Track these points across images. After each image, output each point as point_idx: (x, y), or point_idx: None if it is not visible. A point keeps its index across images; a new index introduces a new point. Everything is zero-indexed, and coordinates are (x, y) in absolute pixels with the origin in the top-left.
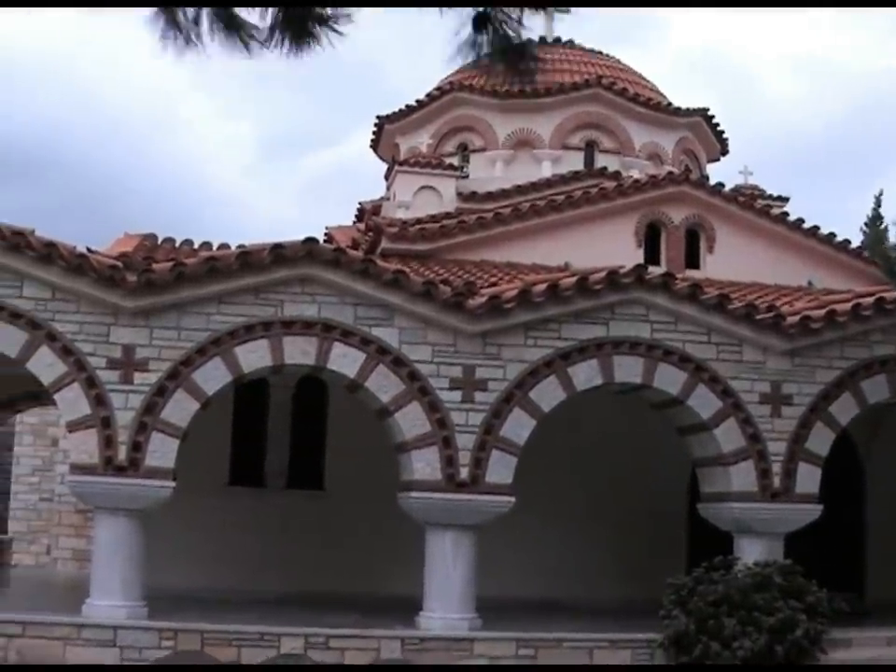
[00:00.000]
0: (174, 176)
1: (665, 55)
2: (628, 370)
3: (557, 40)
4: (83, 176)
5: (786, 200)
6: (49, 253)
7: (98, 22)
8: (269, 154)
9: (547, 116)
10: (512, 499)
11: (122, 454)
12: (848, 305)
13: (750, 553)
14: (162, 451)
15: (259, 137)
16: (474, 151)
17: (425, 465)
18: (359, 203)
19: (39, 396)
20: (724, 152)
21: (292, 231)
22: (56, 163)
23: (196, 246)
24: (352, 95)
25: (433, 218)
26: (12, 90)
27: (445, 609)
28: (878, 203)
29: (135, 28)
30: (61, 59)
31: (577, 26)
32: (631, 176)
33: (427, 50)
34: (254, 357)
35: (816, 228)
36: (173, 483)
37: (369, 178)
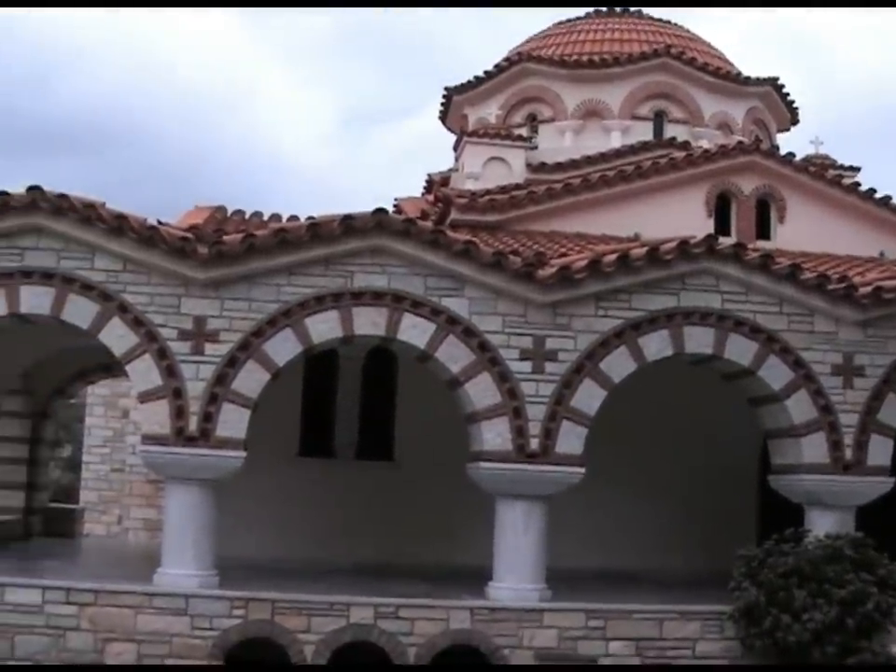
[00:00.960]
0: (250, 149)
1: (738, 25)
2: (699, 340)
3: (626, 10)
4: (160, 149)
5: (857, 170)
6: (119, 225)
7: None
8: (348, 125)
9: (616, 86)
10: (583, 470)
11: (193, 424)
12: None
13: (821, 525)
14: (233, 421)
15: (338, 109)
16: (543, 122)
17: (495, 435)
18: (428, 175)
19: (110, 367)
20: (795, 122)
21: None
22: (132, 136)
23: (266, 218)
24: (431, 67)
25: (502, 189)
26: (90, 62)
27: (515, 579)
28: None
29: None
30: (138, 31)
31: None
32: (700, 147)
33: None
34: (324, 327)
35: (888, 198)
36: (243, 454)
37: (440, 150)
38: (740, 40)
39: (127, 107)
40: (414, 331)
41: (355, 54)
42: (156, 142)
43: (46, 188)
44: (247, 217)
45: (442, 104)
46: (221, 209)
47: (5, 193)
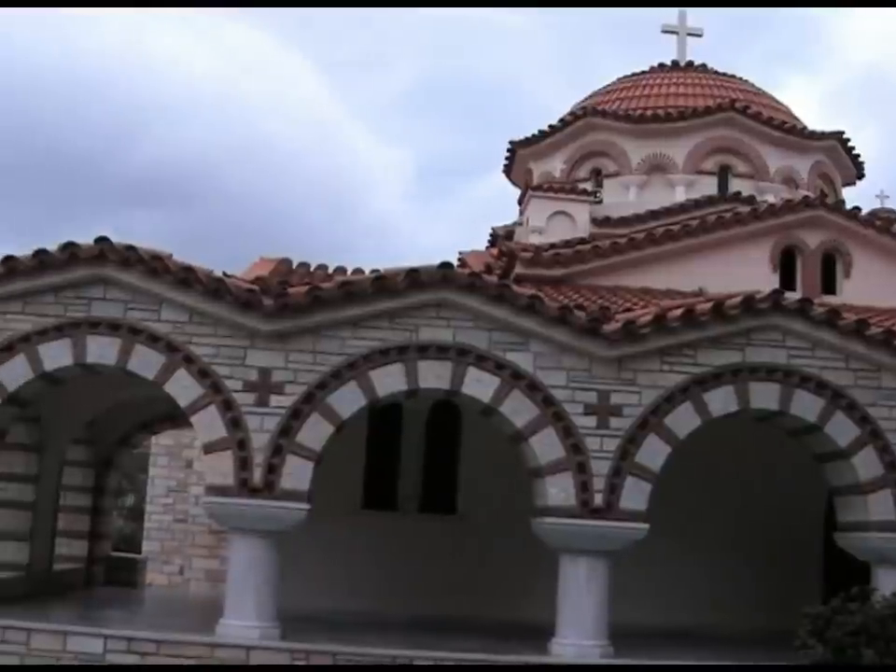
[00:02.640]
0: (330, 204)
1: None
2: (764, 396)
3: (690, 64)
4: (239, 204)
5: None
6: (186, 277)
7: (257, 51)
8: (426, 180)
9: (681, 140)
10: (647, 526)
11: (257, 476)
12: None
13: (889, 583)
14: (297, 473)
15: (417, 164)
16: (608, 176)
17: (559, 490)
18: (493, 228)
19: (174, 417)
20: (860, 176)
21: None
22: (213, 191)
23: (331, 271)
24: (509, 120)
25: (567, 243)
26: (174, 118)
27: (578, 635)
28: None
29: (297, 58)
30: (219, 85)
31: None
32: (766, 201)
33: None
34: (389, 380)
35: None
36: (307, 506)
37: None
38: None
39: (208, 163)
40: (479, 385)
41: (435, 110)
42: (235, 196)
43: (115, 239)
44: (312, 269)
45: (507, 157)
46: (286, 261)
47: (73, 244)
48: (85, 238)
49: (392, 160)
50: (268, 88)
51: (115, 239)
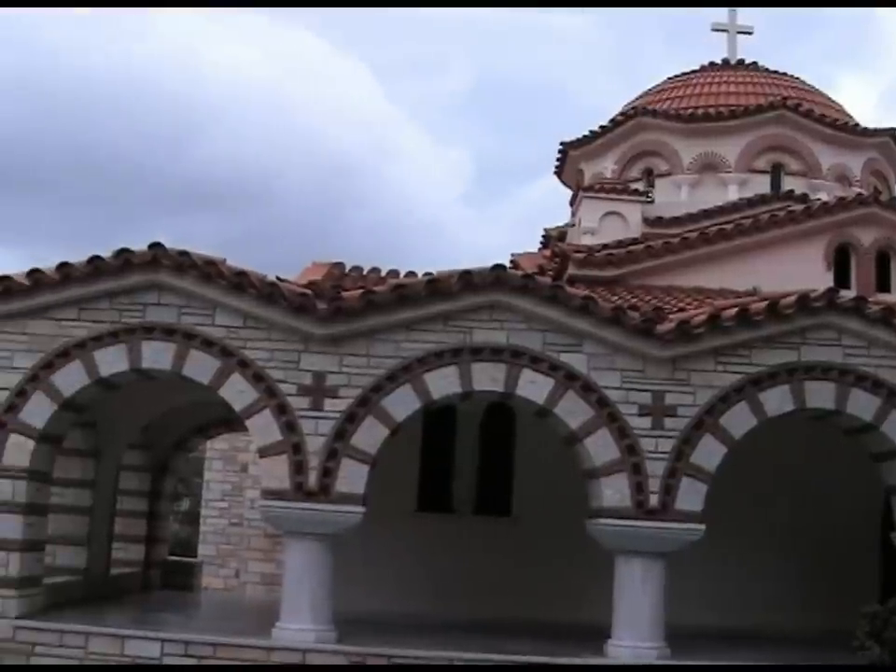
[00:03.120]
0: (383, 207)
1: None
2: (820, 395)
3: (740, 62)
4: (293, 208)
5: None
6: (240, 282)
7: (312, 54)
8: (483, 183)
9: (732, 139)
10: (702, 527)
11: (313, 479)
12: None
13: None
14: (353, 477)
15: (475, 167)
16: (659, 176)
17: (614, 492)
18: (545, 230)
19: (229, 422)
20: None
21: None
22: (268, 195)
23: (383, 274)
24: (561, 124)
25: (619, 244)
26: (227, 123)
27: (634, 637)
28: None
29: (352, 61)
30: (274, 89)
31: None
32: (819, 199)
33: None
34: (443, 383)
35: None
36: (363, 509)
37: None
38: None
39: (263, 167)
40: (533, 387)
41: (489, 112)
42: (290, 200)
43: (170, 244)
44: (365, 272)
45: (558, 158)
46: (339, 265)
47: (127, 250)
48: (141, 243)
49: (448, 162)
50: (323, 91)
51: (170, 244)
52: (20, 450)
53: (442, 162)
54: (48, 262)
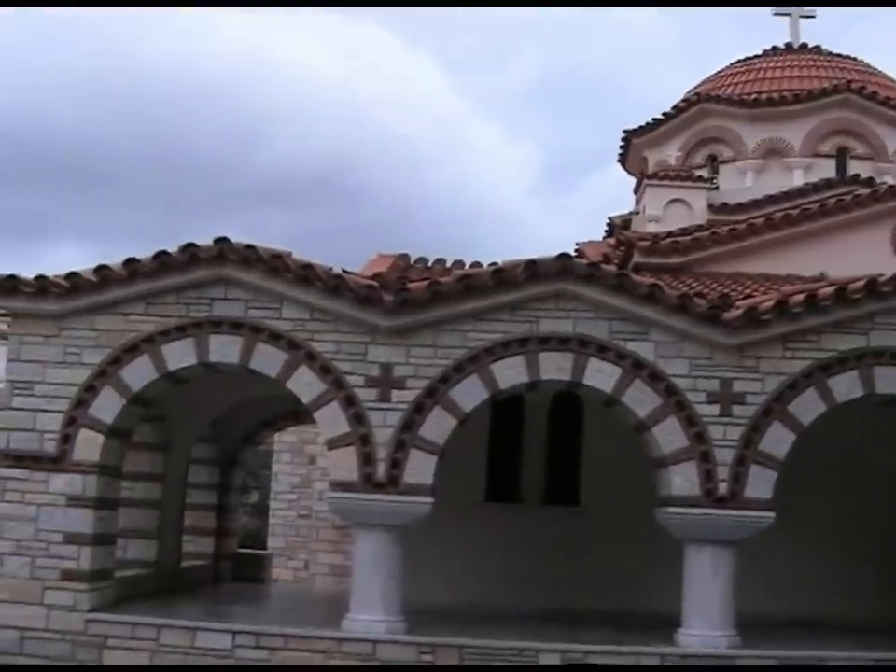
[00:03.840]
0: (452, 201)
1: None
2: (889, 380)
3: (804, 46)
4: (365, 202)
5: None
6: (306, 275)
7: (380, 51)
8: (553, 174)
9: (797, 123)
10: (772, 515)
11: (381, 470)
12: None
13: None
14: (421, 468)
15: (544, 158)
16: (723, 162)
17: (683, 480)
18: (609, 218)
19: (297, 414)
20: None
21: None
22: (336, 189)
23: (448, 265)
24: (626, 113)
25: (684, 231)
26: (299, 118)
27: (704, 625)
28: None
29: (421, 57)
30: (342, 86)
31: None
32: (885, 183)
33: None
34: (511, 373)
35: None
36: (431, 500)
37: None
38: None
39: (332, 163)
40: (600, 376)
41: (556, 104)
42: (358, 195)
43: (241, 240)
44: (430, 264)
45: (621, 146)
46: (404, 257)
47: (193, 245)
48: (209, 239)
49: (516, 154)
50: (393, 87)
51: (245, 240)
52: (90, 445)
53: (511, 154)
54: (118, 259)
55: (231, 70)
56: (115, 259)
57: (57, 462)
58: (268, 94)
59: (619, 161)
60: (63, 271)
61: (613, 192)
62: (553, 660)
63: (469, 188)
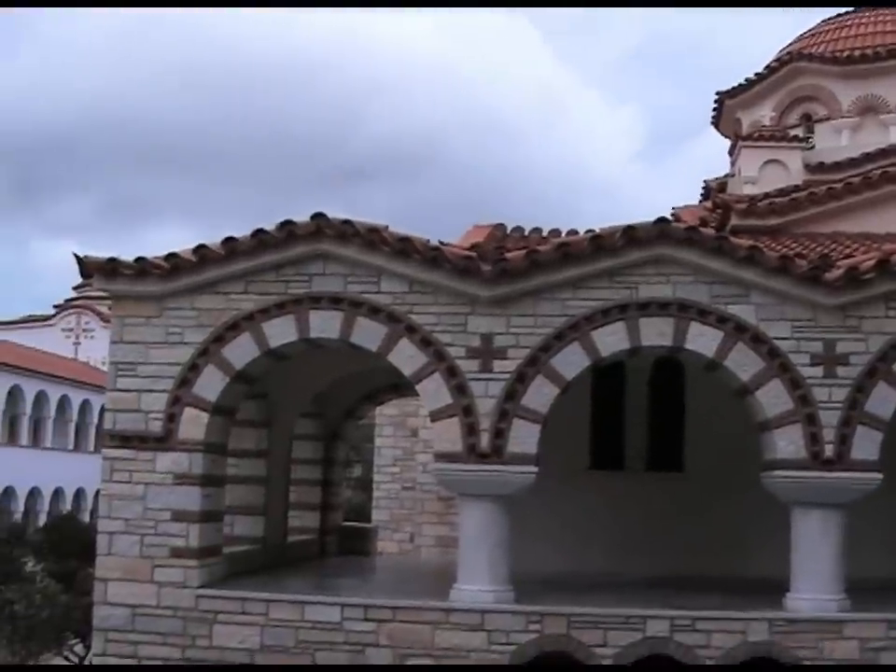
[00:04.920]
0: (555, 171)
1: None
2: None
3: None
4: (463, 173)
5: None
6: (404, 248)
7: (482, 23)
8: (655, 140)
9: (892, 79)
10: (880, 476)
11: (485, 441)
12: None
13: None
14: (524, 437)
15: (646, 123)
16: (818, 121)
17: (788, 443)
18: (704, 181)
19: (398, 387)
20: None
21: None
22: (437, 162)
23: (545, 234)
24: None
25: (781, 192)
26: (399, 93)
27: (813, 590)
28: None
29: (522, 28)
30: (442, 61)
31: None
32: None
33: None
34: (611, 340)
35: None
36: (535, 469)
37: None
38: None
39: (433, 137)
40: (702, 340)
41: (663, 67)
42: (459, 168)
43: (344, 215)
44: (526, 233)
45: (714, 109)
46: (500, 227)
47: (290, 222)
48: (308, 216)
49: (619, 120)
50: (491, 59)
51: (344, 215)
52: (194, 423)
53: (614, 121)
54: (219, 239)
55: (330, 49)
56: (217, 238)
57: (163, 441)
58: (367, 71)
59: (712, 123)
60: (167, 251)
61: (713, 156)
62: (662, 626)
63: (570, 157)
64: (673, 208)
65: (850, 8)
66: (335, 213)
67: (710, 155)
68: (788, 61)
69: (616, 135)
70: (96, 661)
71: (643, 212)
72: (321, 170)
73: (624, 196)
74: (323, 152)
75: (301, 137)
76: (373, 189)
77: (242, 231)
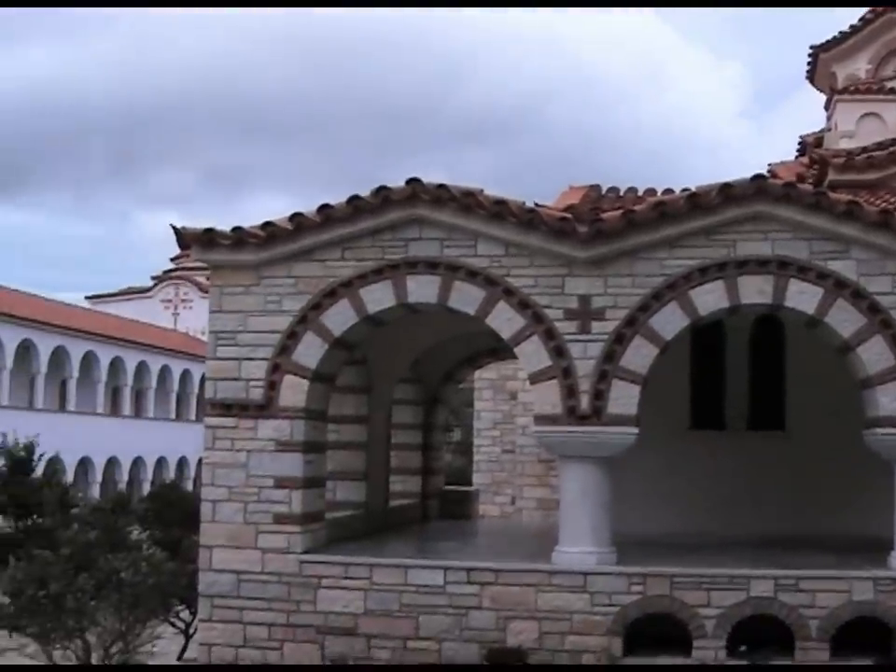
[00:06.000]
0: (658, 129)
1: None
2: None
3: None
4: (563, 136)
5: None
6: (499, 211)
7: None
8: (759, 98)
9: None
10: None
11: (585, 403)
12: None
13: None
14: (624, 398)
15: (750, 83)
16: None
17: (891, 400)
18: (800, 137)
19: (496, 351)
20: None
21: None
22: (539, 124)
23: (640, 193)
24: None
25: (879, 146)
26: (501, 56)
27: None
28: None
29: None
30: (549, 24)
31: None
32: None
33: None
34: (710, 298)
35: None
36: (636, 430)
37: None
38: None
39: (535, 99)
40: (802, 297)
41: (765, 23)
42: (561, 129)
43: (446, 179)
44: (622, 193)
45: (809, 63)
46: (595, 187)
47: (385, 188)
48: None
49: (724, 79)
50: (596, 19)
51: (445, 179)
52: (295, 390)
53: (719, 80)
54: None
55: (431, 11)
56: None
57: (264, 409)
58: (469, 33)
59: (807, 78)
60: (265, 220)
61: (811, 112)
62: (766, 587)
63: (674, 116)
64: (769, 164)
65: None
66: (437, 177)
67: (809, 111)
68: (882, 12)
69: (720, 93)
70: (202, 627)
71: (749, 170)
72: (422, 134)
73: (729, 154)
74: (424, 116)
75: (402, 102)
76: (476, 152)
77: (342, 198)
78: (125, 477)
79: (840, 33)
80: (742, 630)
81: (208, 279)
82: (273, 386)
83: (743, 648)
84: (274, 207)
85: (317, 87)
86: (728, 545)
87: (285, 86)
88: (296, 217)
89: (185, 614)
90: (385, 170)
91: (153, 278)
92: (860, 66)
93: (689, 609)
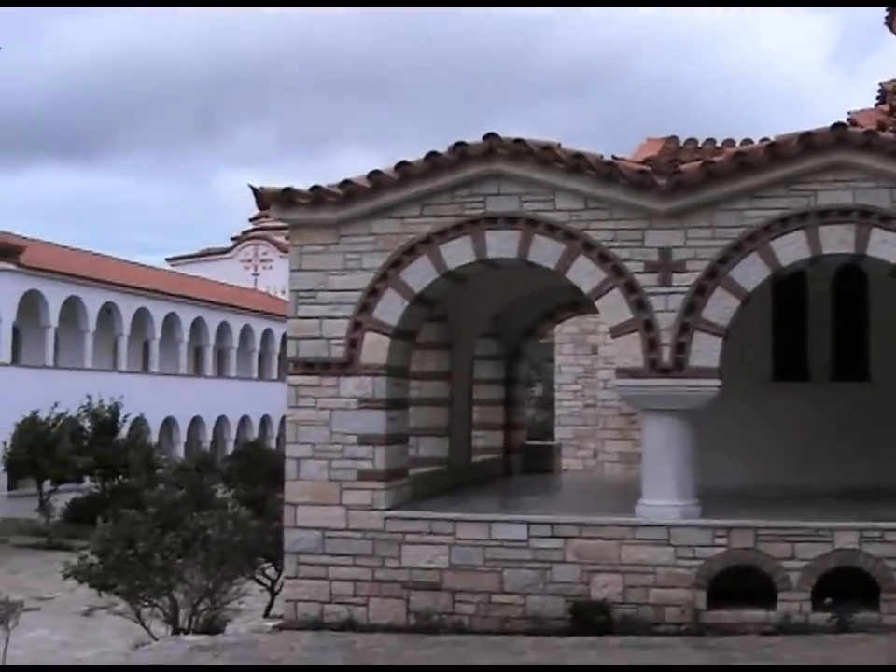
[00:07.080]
0: (741, 79)
1: None
2: None
3: None
4: (648, 88)
5: None
6: (577, 164)
7: None
8: (843, 47)
9: None
10: None
11: (666, 355)
12: None
13: None
14: (706, 350)
15: (835, 32)
16: None
17: None
18: (880, 84)
19: (577, 305)
20: None
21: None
22: (624, 77)
23: (719, 144)
24: None
25: None
26: (580, 11)
27: None
28: None
29: None
30: None
31: None
32: None
33: None
34: (791, 249)
35: None
36: (718, 382)
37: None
38: None
39: (621, 52)
40: (885, 246)
41: None
42: (644, 83)
43: (534, 132)
44: (700, 144)
45: (888, 8)
46: (673, 139)
47: (463, 143)
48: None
49: (811, 26)
50: None
51: (528, 134)
52: (376, 348)
53: (805, 27)
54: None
55: None
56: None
57: (346, 366)
58: None
59: (885, 23)
60: (346, 178)
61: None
62: (850, 539)
63: (762, 66)
64: (849, 113)
65: None
66: (521, 132)
67: (891, 59)
68: None
69: (807, 42)
70: (288, 583)
71: (830, 120)
72: (506, 90)
73: (816, 103)
74: (508, 71)
75: (486, 58)
76: (559, 107)
77: (423, 154)
78: (209, 436)
79: None
80: (827, 582)
81: (287, 238)
82: (354, 344)
83: (828, 600)
84: (360, 165)
85: (402, 42)
86: (812, 497)
87: (369, 42)
88: (374, 174)
89: (270, 571)
90: (470, 126)
91: (233, 239)
92: None
93: (773, 561)
